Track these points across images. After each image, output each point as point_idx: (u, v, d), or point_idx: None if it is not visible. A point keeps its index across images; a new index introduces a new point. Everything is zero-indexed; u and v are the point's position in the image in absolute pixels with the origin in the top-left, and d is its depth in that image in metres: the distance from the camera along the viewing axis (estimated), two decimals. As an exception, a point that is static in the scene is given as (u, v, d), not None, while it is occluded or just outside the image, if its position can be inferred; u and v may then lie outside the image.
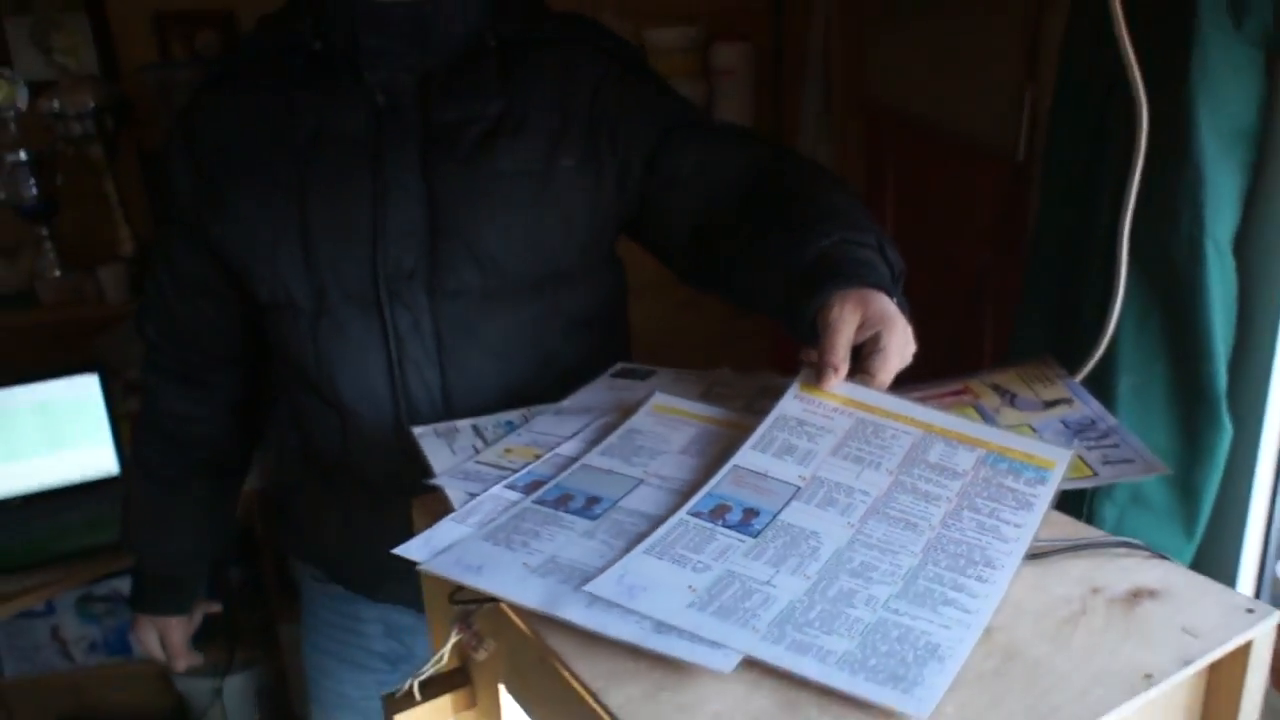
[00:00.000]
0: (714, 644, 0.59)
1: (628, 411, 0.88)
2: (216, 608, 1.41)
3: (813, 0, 2.10)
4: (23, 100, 1.92)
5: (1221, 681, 0.63)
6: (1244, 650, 0.61)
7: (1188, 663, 0.58)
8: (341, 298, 1.03)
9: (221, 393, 1.23)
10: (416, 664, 1.21)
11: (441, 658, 0.74)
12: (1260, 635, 0.61)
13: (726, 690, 0.57)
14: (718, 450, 0.80)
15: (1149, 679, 0.57)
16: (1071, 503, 0.89)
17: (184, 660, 1.35)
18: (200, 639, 1.40)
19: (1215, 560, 0.98)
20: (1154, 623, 0.62)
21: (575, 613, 0.62)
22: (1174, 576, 0.66)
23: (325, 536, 1.19)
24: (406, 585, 1.12)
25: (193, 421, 1.23)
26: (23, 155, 1.94)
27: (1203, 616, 0.62)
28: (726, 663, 0.58)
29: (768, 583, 0.64)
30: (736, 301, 1.03)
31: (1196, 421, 0.92)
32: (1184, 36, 0.87)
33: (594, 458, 0.81)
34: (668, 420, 0.86)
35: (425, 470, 0.84)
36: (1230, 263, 0.91)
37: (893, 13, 1.83)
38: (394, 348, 1.04)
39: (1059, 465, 0.74)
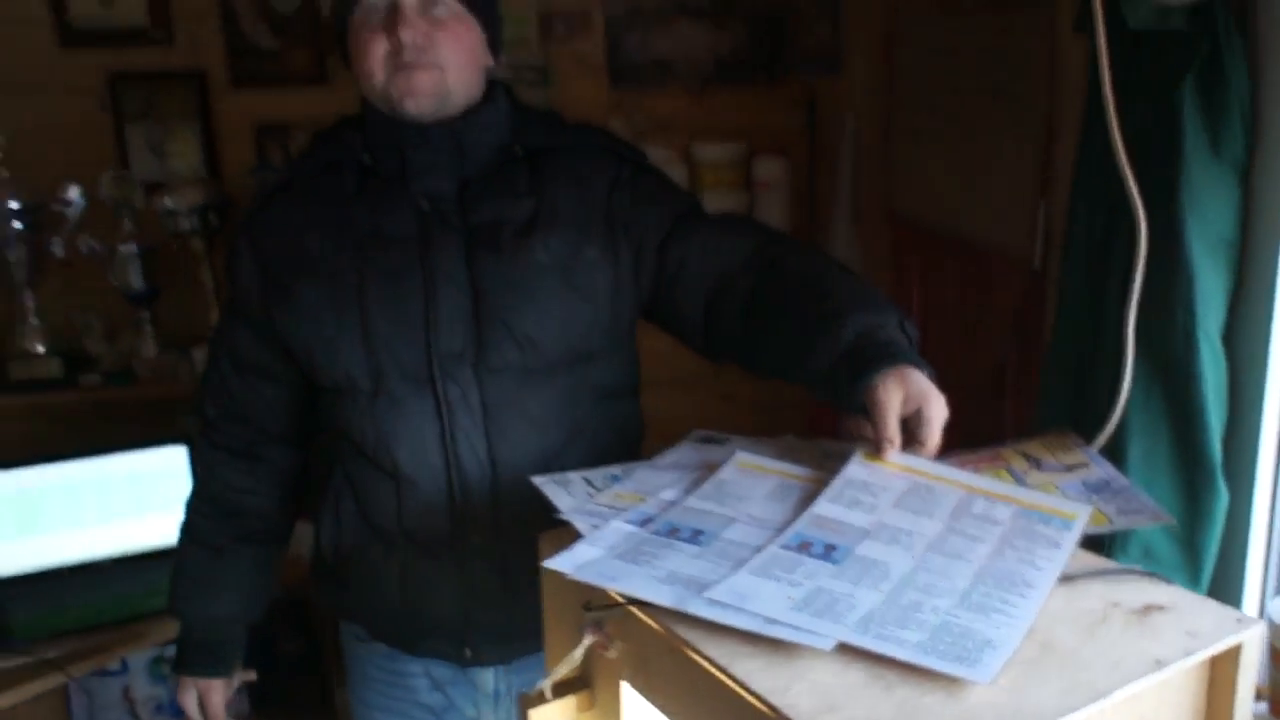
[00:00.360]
0: (814, 633, 0.74)
1: (714, 467, 1.05)
2: (252, 676, 1.47)
3: (844, 120, 2.34)
4: (139, 199, 2.15)
5: (1219, 678, 0.78)
6: (1236, 650, 0.76)
7: (1190, 653, 0.73)
8: (398, 378, 1.17)
9: (272, 467, 1.34)
10: (458, 713, 1.34)
11: (575, 659, 0.89)
12: (1249, 639, 0.76)
13: (826, 665, 0.73)
14: (795, 498, 0.97)
15: (1158, 663, 0.72)
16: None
17: None
18: (257, 707, 1.49)
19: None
20: (1162, 627, 0.77)
21: (702, 609, 0.78)
22: (1179, 596, 0.82)
23: (382, 595, 1.28)
24: (446, 640, 1.29)
25: (245, 493, 1.33)
26: (134, 247, 2.16)
27: (1202, 623, 0.78)
28: (826, 644, 0.73)
29: (849, 595, 0.80)
30: (760, 373, 1.17)
31: (1196, 486, 1.09)
32: (1174, 163, 1.07)
33: (693, 500, 0.97)
34: (750, 473, 1.03)
35: (550, 509, 1.00)
36: (1220, 350, 1.08)
37: (918, 132, 2.06)
38: (446, 419, 1.17)
39: (1081, 516, 0.91)
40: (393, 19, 1.12)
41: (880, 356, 0.98)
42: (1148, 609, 0.80)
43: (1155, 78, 1.09)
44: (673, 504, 0.98)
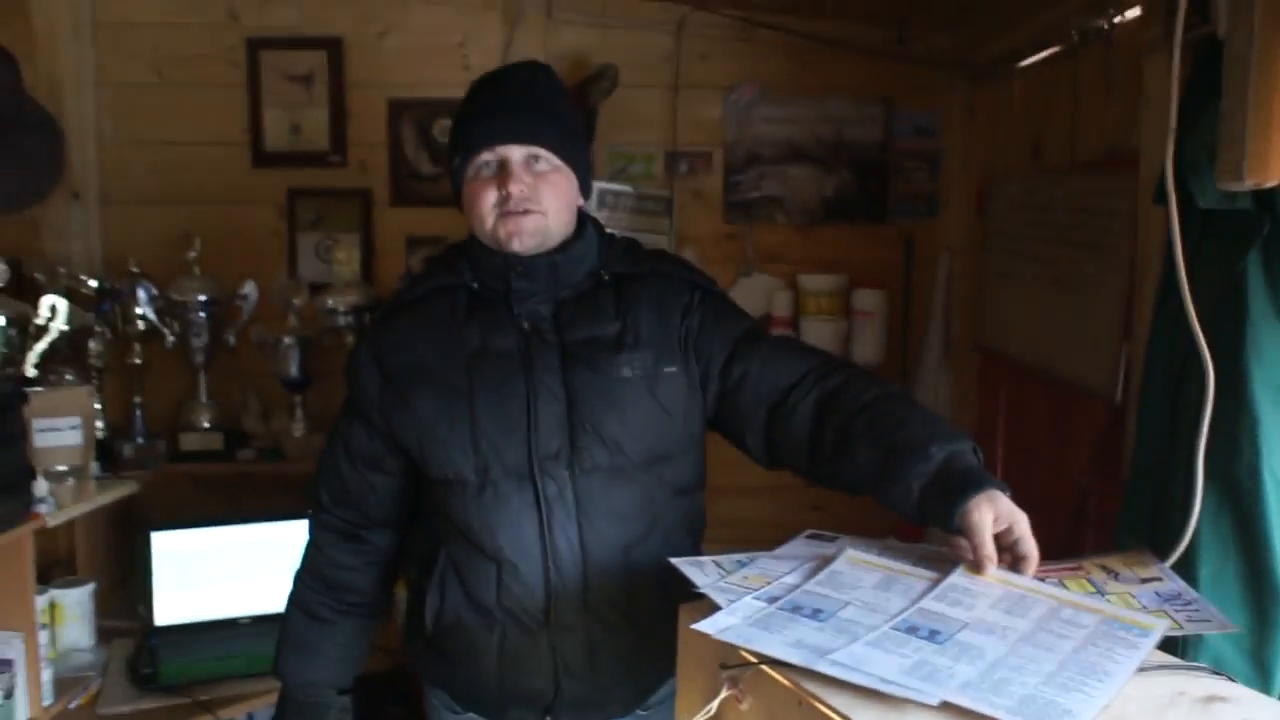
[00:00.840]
0: (922, 690, 0.90)
1: (827, 559, 1.21)
2: None
3: (939, 259, 2.54)
4: (304, 298, 2.44)
5: (1273, 764, 0.91)
6: (1288, 738, 0.89)
7: (1245, 735, 0.87)
8: (502, 474, 1.33)
9: (373, 548, 1.50)
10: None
11: (711, 710, 1.05)
12: (1299, 729, 0.89)
13: (928, 718, 0.88)
14: (899, 588, 1.12)
15: (1218, 741, 0.85)
16: (1165, 659, 1.17)
17: None
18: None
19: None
20: (1223, 714, 0.90)
21: (826, 668, 0.94)
22: (1242, 691, 0.95)
23: (479, 666, 1.41)
24: (532, 709, 1.44)
25: (347, 570, 1.49)
26: (294, 340, 2.43)
27: (1260, 714, 0.90)
28: (933, 700, 0.89)
29: (950, 667, 0.95)
30: (822, 484, 1.32)
31: (1265, 605, 1.21)
32: (1240, 322, 1.23)
33: (812, 585, 1.14)
34: (859, 566, 1.19)
35: (689, 585, 1.17)
36: (1285, 485, 1.22)
37: (1007, 274, 2.24)
38: (544, 511, 1.33)
39: (1159, 628, 1.03)
40: (503, 174, 1.32)
41: (968, 483, 1.12)
42: (1211, 698, 0.93)
43: (1224, 248, 1.26)
44: (795, 587, 1.14)
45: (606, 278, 1.40)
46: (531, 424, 1.32)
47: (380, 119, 2.57)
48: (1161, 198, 1.30)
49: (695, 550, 1.45)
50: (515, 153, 1.33)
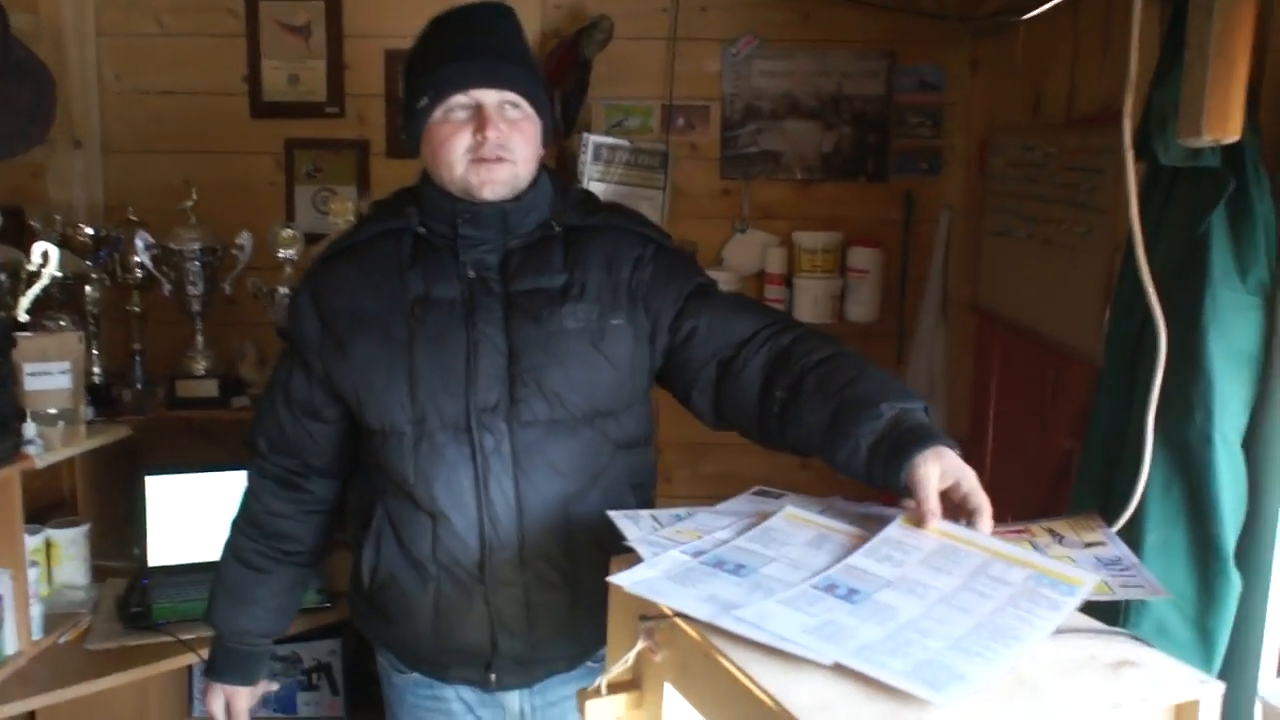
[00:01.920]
0: (817, 650, 0.89)
1: (765, 516, 1.21)
2: (274, 687, 1.63)
3: (939, 217, 2.49)
4: (300, 248, 2.46)
5: (1179, 730, 0.89)
6: (1194, 706, 0.88)
7: (1143, 701, 0.85)
8: (439, 426, 1.31)
9: (312, 497, 1.49)
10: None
11: (628, 660, 1.05)
12: (1206, 697, 0.88)
13: (826, 678, 0.87)
14: (830, 548, 1.11)
15: (1115, 706, 0.84)
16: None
17: None
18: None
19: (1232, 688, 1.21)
20: (1130, 679, 0.89)
21: (730, 624, 0.94)
22: (1155, 657, 0.93)
23: (416, 624, 1.40)
24: (473, 666, 1.43)
25: (284, 518, 1.48)
26: (289, 289, 2.45)
27: (1167, 680, 0.89)
28: (825, 660, 0.88)
29: (855, 628, 0.95)
30: (767, 445, 1.32)
31: (1209, 573, 1.19)
32: (1200, 284, 1.19)
33: (741, 541, 1.13)
34: (796, 524, 1.18)
35: (620, 537, 1.17)
36: (1238, 452, 1.19)
37: (1005, 232, 2.19)
38: (480, 464, 1.31)
39: (1087, 584, 1.02)
40: (479, 119, 1.28)
41: (915, 439, 1.12)
42: (1122, 664, 0.92)
43: (1189, 208, 1.22)
44: (724, 542, 1.14)
45: (557, 229, 1.38)
46: (470, 375, 1.31)
47: (378, 70, 2.56)
48: (1145, 153, 1.26)
49: (640, 506, 1.43)
50: (490, 97, 1.29)
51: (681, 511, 1.26)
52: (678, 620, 0.99)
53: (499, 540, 1.34)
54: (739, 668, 0.89)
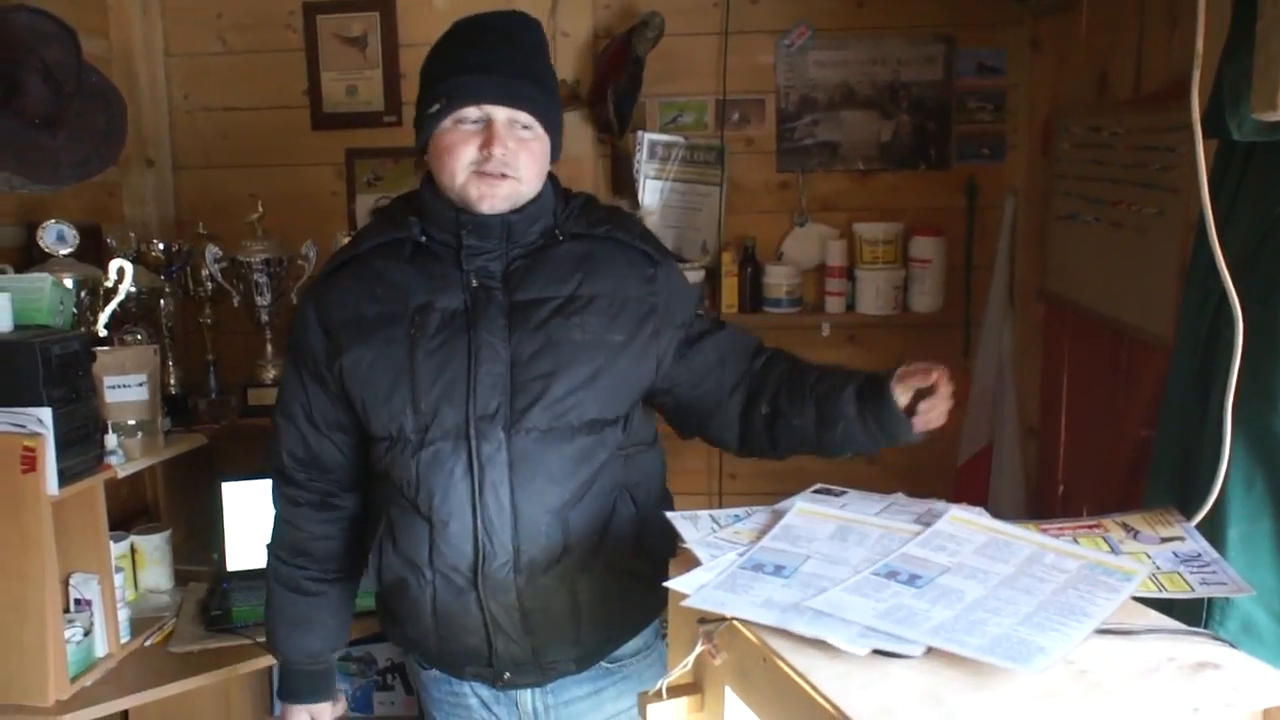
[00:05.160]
0: (902, 639, 0.88)
1: (779, 514, 1.19)
2: (343, 704, 1.62)
3: (1004, 203, 2.42)
4: (362, 256, 2.50)
5: (1266, 735, 0.85)
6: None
7: (1229, 706, 0.81)
8: (440, 435, 1.32)
9: (346, 513, 1.49)
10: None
11: (687, 664, 1.05)
12: (1295, 701, 0.83)
13: (887, 681, 0.85)
14: (857, 538, 1.10)
15: (1195, 711, 0.81)
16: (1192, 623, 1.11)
17: None
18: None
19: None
20: (1211, 682, 0.85)
21: (800, 626, 0.93)
22: (1237, 658, 0.89)
23: (421, 626, 1.42)
24: (481, 666, 1.44)
25: (327, 540, 1.49)
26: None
27: (1250, 683, 0.85)
28: (916, 650, 0.87)
29: (927, 610, 0.93)
30: (758, 453, 1.47)
31: (1298, 569, 1.13)
32: (1278, 269, 1.14)
33: (768, 541, 1.12)
34: (812, 519, 1.16)
35: (678, 537, 1.17)
36: (1324, 441, 1.13)
37: (1072, 217, 2.13)
38: (477, 472, 1.32)
39: (1140, 573, 0.99)
40: (487, 134, 1.29)
41: (880, 380, 1.35)
42: (1202, 666, 0.88)
43: (1265, 185, 1.17)
44: (753, 544, 1.12)
45: (561, 237, 1.38)
46: (471, 383, 1.31)
47: (433, 77, 2.59)
48: (1216, 130, 1.20)
49: (643, 507, 1.43)
50: (501, 114, 1.30)
51: (740, 511, 1.25)
52: (736, 623, 0.98)
53: (493, 547, 1.34)
54: (799, 672, 0.88)
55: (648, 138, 2.51)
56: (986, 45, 2.46)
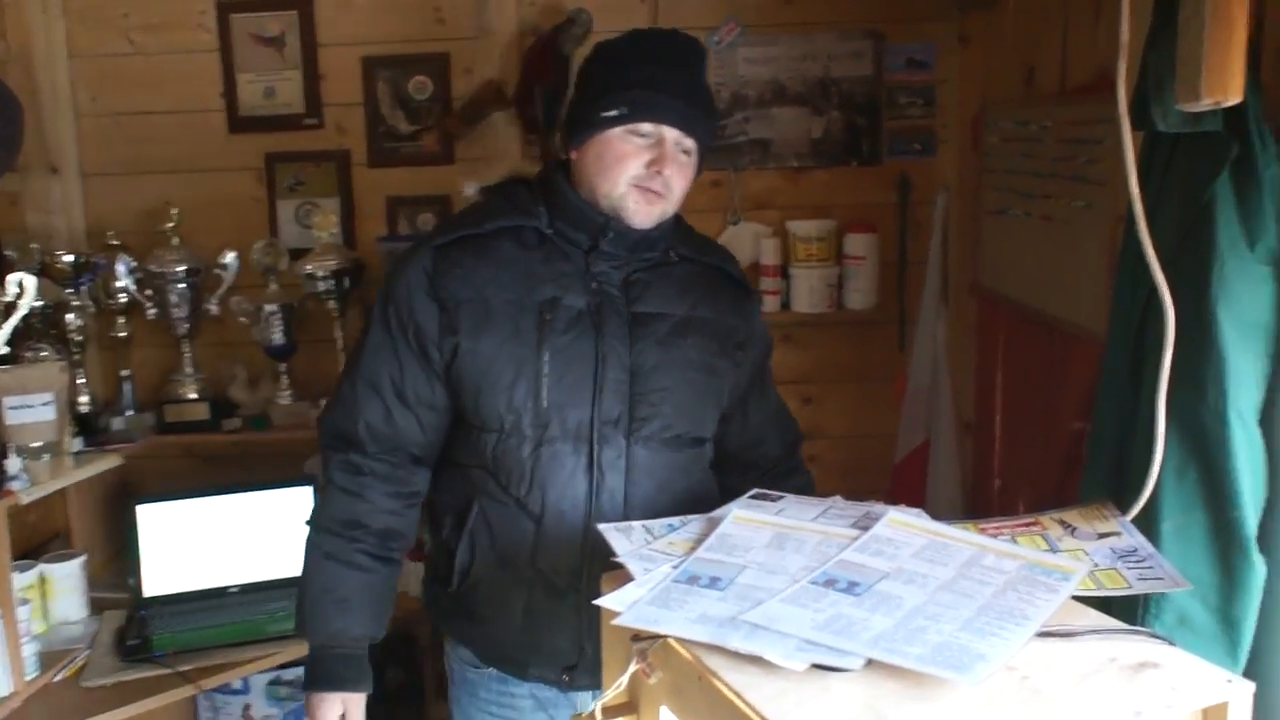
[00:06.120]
0: (841, 652, 0.85)
1: (715, 522, 1.15)
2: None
3: (936, 199, 2.43)
4: (284, 264, 2.41)
5: (1208, 735, 0.84)
6: (1222, 708, 0.82)
7: (1168, 707, 0.80)
8: (561, 433, 1.34)
9: (415, 491, 1.43)
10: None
11: (621, 684, 1.00)
12: (1235, 699, 0.82)
13: (825, 698, 0.82)
14: (795, 545, 1.06)
15: (1138, 714, 0.79)
16: (1126, 620, 1.09)
17: None
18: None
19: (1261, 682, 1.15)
20: (1152, 682, 0.83)
21: (736, 643, 0.89)
22: (1175, 656, 0.88)
23: (505, 624, 1.39)
24: (553, 667, 1.42)
25: (394, 515, 1.40)
26: (277, 307, 2.41)
27: (1191, 683, 0.83)
28: (855, 663, 0.84)
29: (865, 619, 0.90)
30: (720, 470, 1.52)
31: (1231, 560, 1.12)
32: (1208, 254, 1.13)
33: (701, 552, 1.08)
34: (748, 527, 1.13)
35: (610, 553, 1.12)
36: (1255, 430, 1.13)
37: (1003, 211, 2.13)
38: (597, 476, 1.35)
39: (1077, 572, 0.98)
40: (659, 152, 1.33)
41: None
42: (1142, 666, 0.87)
43: (1191, 175, 1.16)
44: (688, 555, 1.08)
45: (675, 258, 1.44)
46: (597, 387, 1.34)
47: (354, 78, 2.51)
48: (1142, 122, 1.20)
49: None
50: (673, 135, 1.34)
51: (675, 521, 1.21)
52: (671, 641, 0.94)
53: (600, 551, 1.28)
54: (735, 691, 0.84)
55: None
56: (915, 40, 2.45)
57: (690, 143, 1.36)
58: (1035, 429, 2.03)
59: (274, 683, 2.45)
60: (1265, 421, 1.14)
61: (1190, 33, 1.05)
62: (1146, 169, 1.24)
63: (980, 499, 2.33)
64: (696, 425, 1.42)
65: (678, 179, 1.35)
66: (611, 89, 1.34)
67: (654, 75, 1.34)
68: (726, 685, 0.85)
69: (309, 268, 2.40)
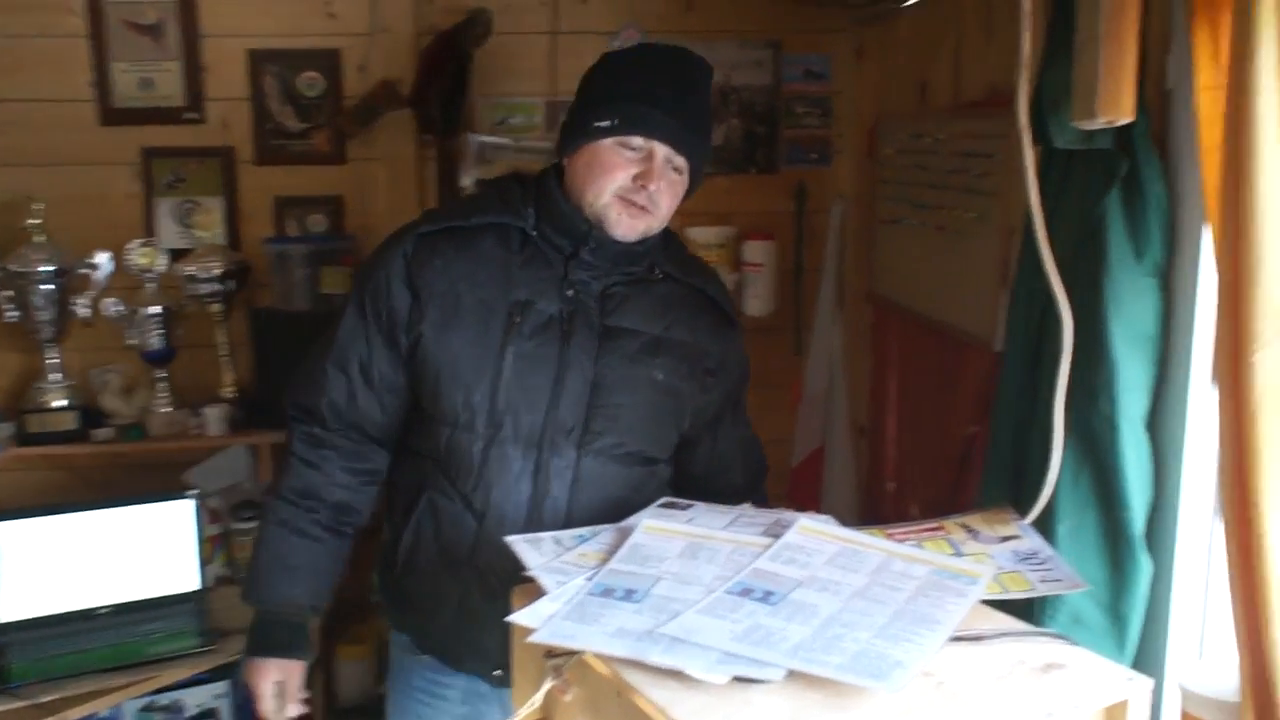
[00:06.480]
0: (761, 664, 0.84)
1: (626, 532, 1.13)
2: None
3: (831, 208, 2.47)
4: (163, 265, 2.28)
5: (1111, 732, 0.87)
6: (1123, 706, 0.85)
7: (1076, 707, 0.82)
8: (513, 436, 1.33)
9: (374, 468, 1.45)
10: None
11: (536, 702, 0.97)
12: (1135, 696, 0.85)
13: (749, 713, 0.81)
14: (709, 555, 1.06)
15: (1049, 715, 0.81)
16: (1023, 619, 1.13)
17: (296, 708, 1.45)
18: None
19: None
20: (1060, 683, 0.86)
21: (656, 657, 0.87)
22: (1080, 656, 0.91)
23: (438, 616, 1.41)
24: (486, 662, 1.41)
25: (349, 490, 1.43)
26: (155, 310, 2.28)
27: (1096, 681, 0.86)
28: (777, 674, 0.83)
29: (783, 629, 0.90)
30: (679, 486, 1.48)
31: (1121, 559, 1.17)
32: (1099, 267, 1.18)
33: (614, 564, 1.06)
34: (659, 536, 1.12)
35: (520, 567, 1.09)
36: (1143, 435, 1.18)
37: (897, 221, 2.19)
38: (542, 482, 1.34)
39: (984, 576, 1.00)
40: (647, 166, 1.30)
41: None
42: (1049, 667, 0.89)
43: (1084, 190, 1.21)
44: (601, 566, 1.06)
45: (659, 275, 1.41)
46: (555, 395, 1.33)
47: (240, 72, 2.40)
48: (1039, 137, 1.24)
49: None
50: (664, 151, 1.32)
51: (585, 531, 1.19)
52: (587, 657, 0.92)
53: None
54: (657, 707, 0.82)
55: (476, 139, 2.41)
56: (813, 51, 2.50)
57: (681, 161, 1.34)
58: (928, 433, 2.08)
59: (147, 709, 2.30)
60: (1151, 426, 1.19)
61: (1086, 54, 1.09)
62: (1042, 183, 1.28)
63: (874, 502, 2.38)
64: (651, 445, 1.40)
65: (665, 196, 1.34)
66: (607, 99, 1.34)
67: (651, 90, 1.33)
68: (648, 701, 0.83)
69: (190, 269, 2.28)
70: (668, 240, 1.46)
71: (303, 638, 1.45)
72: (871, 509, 2.37)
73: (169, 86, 2.38)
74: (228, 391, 2.37)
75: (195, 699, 2.28)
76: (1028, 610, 1.17)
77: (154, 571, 2.13)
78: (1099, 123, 1.10)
